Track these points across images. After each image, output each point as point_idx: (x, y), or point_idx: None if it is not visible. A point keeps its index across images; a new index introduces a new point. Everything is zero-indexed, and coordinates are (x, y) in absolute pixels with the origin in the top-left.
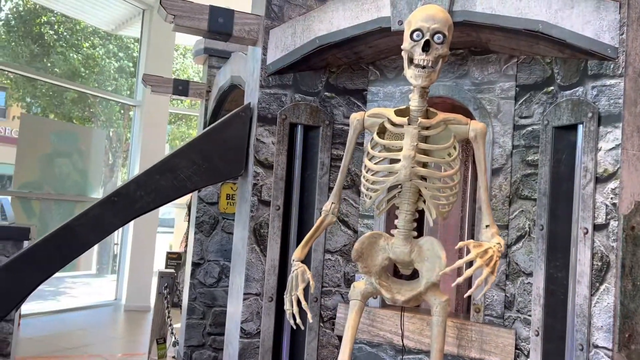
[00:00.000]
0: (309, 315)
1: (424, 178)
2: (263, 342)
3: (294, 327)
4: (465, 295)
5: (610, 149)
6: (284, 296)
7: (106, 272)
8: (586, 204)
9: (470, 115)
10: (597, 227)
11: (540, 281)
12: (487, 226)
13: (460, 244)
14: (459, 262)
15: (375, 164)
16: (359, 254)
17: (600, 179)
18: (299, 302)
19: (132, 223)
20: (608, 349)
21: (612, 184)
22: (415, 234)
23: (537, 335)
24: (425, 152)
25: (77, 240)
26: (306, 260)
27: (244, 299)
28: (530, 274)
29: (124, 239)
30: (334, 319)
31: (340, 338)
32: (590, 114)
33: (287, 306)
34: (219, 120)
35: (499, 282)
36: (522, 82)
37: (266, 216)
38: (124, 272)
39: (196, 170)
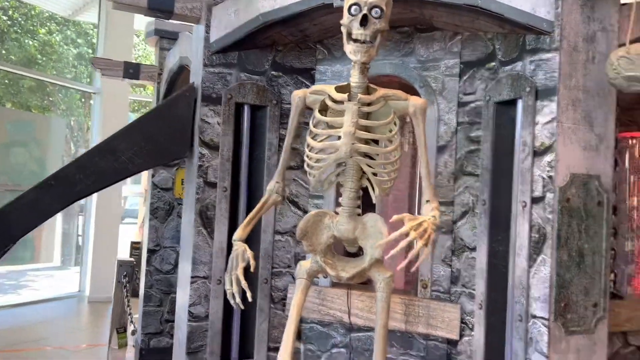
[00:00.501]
0: (249, 295)
1: (370, 156)
2: (212, 325)
3: (235, 307)
4: (398, 268)
5: (547, 123)
6: (224, 276)
7: (70, 264)
8: (524, 177)
9: (417, 94)
10: (534, 200)
11: (483, 255)
12: (427, 201)
13: (395, 217)
14: (393, 235)
15: (318, 142)
16: (304, 232)
17: (537, 153)
18: (239, 282)
19: (93, 213)
20: (545, 319)
21: (548, 157)
22: (360, 211)
23: (480, 308)
24: (366, 129)
25: (13, 226)
26: (256, 241)
27: (192, 282)
28: (474, 249)
29: (87, 230)
30: (285, 299)
31: None
32: (528, 89)
33: (227, 286)
34: (163, 101)
35: (444, 258)
36: (466, 59)
37: (213, 198)
38: (87, 263)
39: (138, 152)
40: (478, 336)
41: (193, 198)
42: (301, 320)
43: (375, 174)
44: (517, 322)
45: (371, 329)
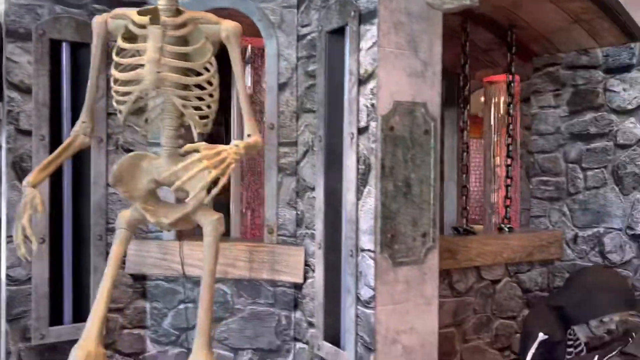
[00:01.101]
0: (34, 246)
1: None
2: (36, 288)
3: (22, 259)
4: (187, 201)
5: (369, 48)
6: (14, 225)
7: None
8: (352, 108)
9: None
10: (360, 131)
11: (320, 194)
12: (248, 135)
13: (188, 146)
14: (181, 165)
15: (122, 72)
16: (117, 178)
17: (362, 81)
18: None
19: None
20: (371, 251)
21: (371, 85)
22: (182, 151)
23: (319, 248)
24: (175, 56)
25: None
26: (86, 194)
27: (7, 242)
28: (314, 189)
29: None
30: (125, 257)
31: (133, 276)
32: (353, 13)
33: (14, 237)
34: None
35: (290, 201)
36: None
37: (28, 148)
38: None
39: None
40: (319, 277)
41: (4, 148)
42: (144, 278)
43: (190, 107)
44: (349, 258)
45: (218, 281)
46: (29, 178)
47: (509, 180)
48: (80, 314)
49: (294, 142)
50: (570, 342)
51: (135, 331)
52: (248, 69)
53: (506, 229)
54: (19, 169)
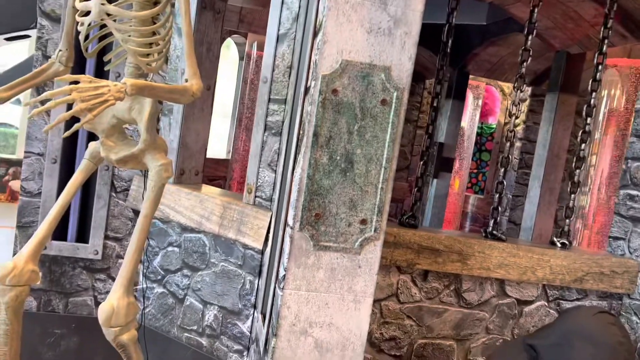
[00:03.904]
0: None
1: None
2: (44, 202)
3: None
4: (44, 131)
5: None
6: None
7: None
8: (304, 65)
9: None
10: (306, 91)
11: (282, 159)
12: (186, 80)
13: (67, 76)
14: (46, 94)
15: (79, 2)
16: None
17: (316, 33)
18: None
19: None
20: (291, 227)
21: (318, 38)
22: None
23: (273, 216)
24: None
25: None
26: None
27: (25, 157)
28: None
29: None
30: (128, 190)
31: (134, 211)
32: None
33: None
34: None
35: (270, 162)
36: None
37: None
38: None
39: None
40: (268, 248)
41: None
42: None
43: (129, 42)
44: (280, 231)
45: (201, 231)
46: None
47: (585, 189)
48: (82, 236)
49: (284, 100)
50: None
51: None
52: None
53: (558, 244)
54: (42, 90)
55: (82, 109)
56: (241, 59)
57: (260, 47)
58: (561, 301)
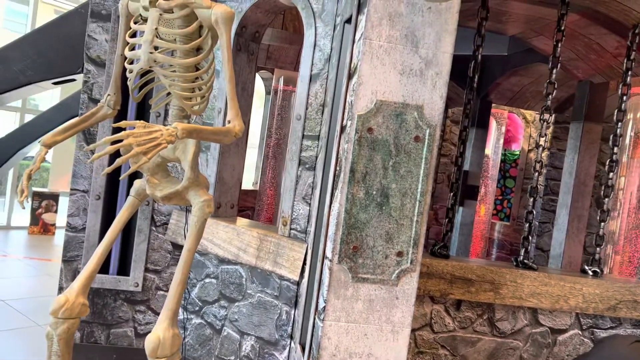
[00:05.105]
0: (22, 197)
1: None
2: (88, 237)
3: (20, 205)
4: (103, 174)
5: (359, 40)
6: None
7: None
8: (340, 105)
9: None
10: (343, 130)
11: (317, 192)
12: (229, 122)
13: (123, 122)
14: (102, 140)
15: (129, 51)
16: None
17: (351, 75)
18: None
19: None
20: (329, 260)
21: (353, 80)
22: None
23: (310, 248)
24: (170, 39)
25: None
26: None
27: (71, 194)
28: None
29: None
30: (167, 224)
31: (173, 244)
32: (357, 2)
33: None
34: (57, 17)
35: (305, 196)
36: None
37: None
38: None
39: (30, 65)
40: (305, 279)
41: (76, 113)
42: (181, 247)
43: (177, 89)
44: (318, 264)
45: (237, 263)
46: (45, 138)
47: (614, 214)
48: (124, 268)
49: (317, 136)
50: None
51: None
52: None
53: (590, 272)
54: (87, 132)
55: (138, 152)
56: (267, 93)
57: (287, 82)
58: (595, 330)
